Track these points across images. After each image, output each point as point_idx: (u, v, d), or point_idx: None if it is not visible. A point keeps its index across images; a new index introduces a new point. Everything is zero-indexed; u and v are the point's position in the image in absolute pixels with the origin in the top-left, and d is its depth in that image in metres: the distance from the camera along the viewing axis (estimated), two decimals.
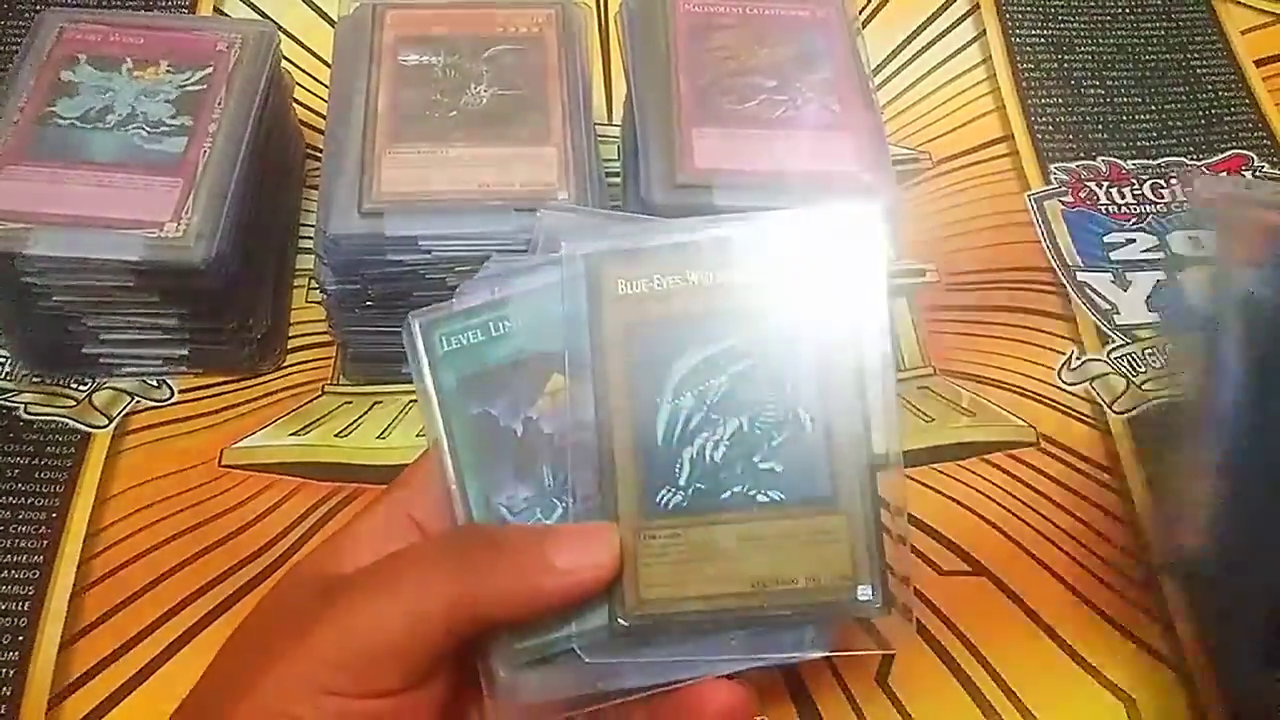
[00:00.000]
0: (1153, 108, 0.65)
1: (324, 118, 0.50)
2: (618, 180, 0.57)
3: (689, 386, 0.34)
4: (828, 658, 0.44)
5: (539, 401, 0.35)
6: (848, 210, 0.35)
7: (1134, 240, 0.59)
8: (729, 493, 0.33)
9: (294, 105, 0.59)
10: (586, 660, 0.33)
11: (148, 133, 0.49)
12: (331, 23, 0.61)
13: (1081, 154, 0.63)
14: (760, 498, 0.33)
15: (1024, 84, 0.66)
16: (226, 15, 0.66)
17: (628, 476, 0.33)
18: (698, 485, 0.33)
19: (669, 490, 0.33)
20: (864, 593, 0.33)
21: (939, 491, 0.51)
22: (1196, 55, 0.68)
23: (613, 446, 0.34)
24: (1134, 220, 0.60)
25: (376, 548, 0.33)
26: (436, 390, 0.35)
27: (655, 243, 0.35)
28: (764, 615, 0.33)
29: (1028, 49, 0.68)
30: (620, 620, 0.33)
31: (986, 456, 0.52)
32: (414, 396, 0.52)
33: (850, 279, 0.35)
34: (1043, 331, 0.56)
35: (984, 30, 0.68)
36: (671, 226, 0.36)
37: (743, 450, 0.34)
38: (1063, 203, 0.61)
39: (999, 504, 0.50)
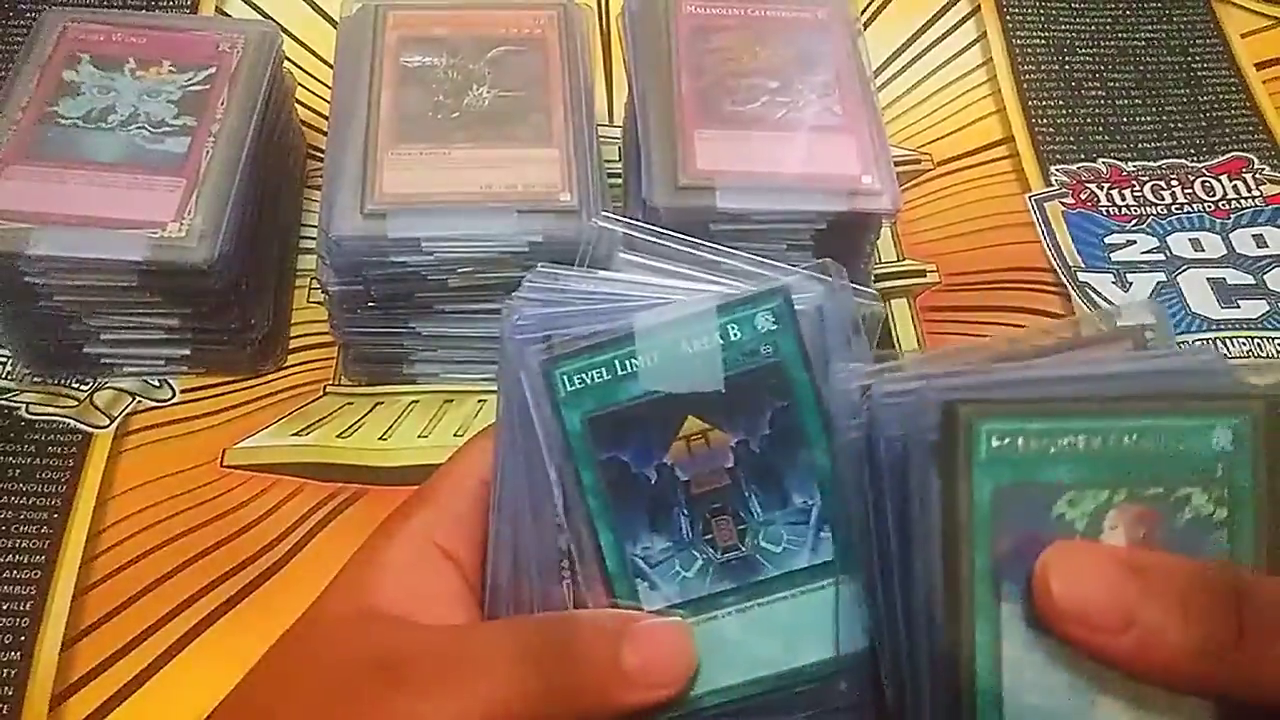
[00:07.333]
0: (1153, 110, 0.65)
1: (326, 118, 0.50)
2: (619, 181, 0.57)
3: None
4: None
5: (673, 446, 0.32)
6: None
7: (1135, 242, 0.59)
8: None
9: (296, 105, 0.59)
10: None
11: (150, 133, 0.49)
12: (334, 23, 0.61)
13: (1082, 156, 0.63)
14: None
15: (1025, 86, 0.66)
16: (229, 15, 0.66)
17: None
18: None
19: None
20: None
21: None
22: (1197, 58, 0.68)
23: None
24: (1135, 221, 0.60)
25: (407, 580, 0.32)
26: (561, 434, 0.32)
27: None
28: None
29: (1029, 51, 0.68)
30: None
31: None
32: (415, 397, 0.53)
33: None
34: None
35: (985, 32, 0.68)
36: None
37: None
38: (1063, 204, 0.61)
39: None
